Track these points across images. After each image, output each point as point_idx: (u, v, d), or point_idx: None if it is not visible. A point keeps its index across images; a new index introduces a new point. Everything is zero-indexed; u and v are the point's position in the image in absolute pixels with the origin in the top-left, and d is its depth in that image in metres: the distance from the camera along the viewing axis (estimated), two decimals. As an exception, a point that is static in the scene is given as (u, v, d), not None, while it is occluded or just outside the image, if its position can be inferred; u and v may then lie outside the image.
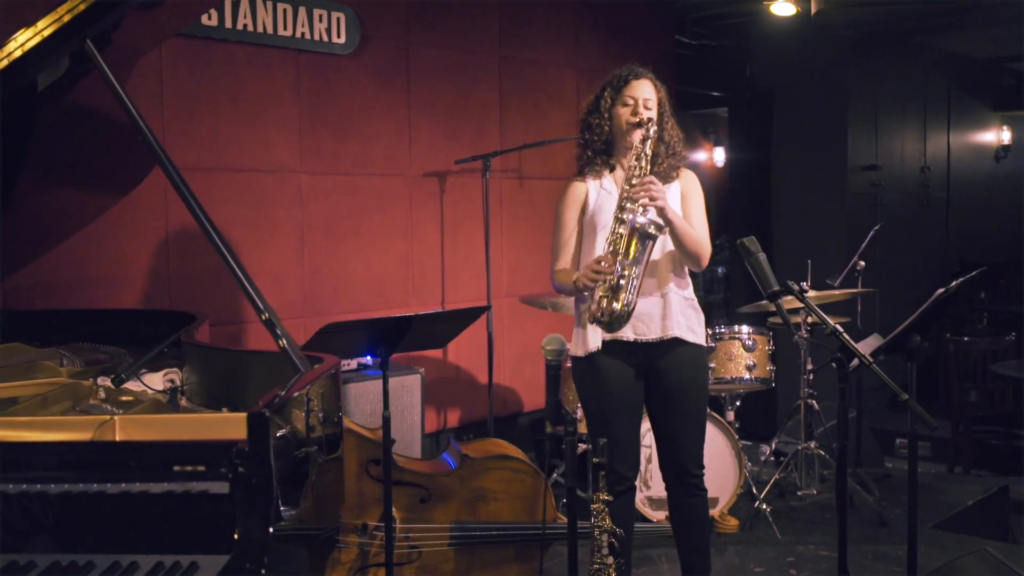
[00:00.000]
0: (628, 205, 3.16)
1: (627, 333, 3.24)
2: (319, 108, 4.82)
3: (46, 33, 2.34)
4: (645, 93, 3.30)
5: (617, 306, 3.10)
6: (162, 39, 3.82)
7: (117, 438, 2.07)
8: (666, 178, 3.32)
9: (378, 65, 5.06)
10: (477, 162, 5.17)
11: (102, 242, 4.07)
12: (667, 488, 3.43)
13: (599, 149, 3.37)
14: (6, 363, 2.95)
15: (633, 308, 3.12)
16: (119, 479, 1.86)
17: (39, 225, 3.40)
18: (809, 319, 4.89)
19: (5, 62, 2.28)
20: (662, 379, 3.32)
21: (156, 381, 2.77)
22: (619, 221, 3.17)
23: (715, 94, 7.65)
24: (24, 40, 2.29)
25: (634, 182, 3.18)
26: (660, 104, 3.34)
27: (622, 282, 3.10)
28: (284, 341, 2.31)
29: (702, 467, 3.39)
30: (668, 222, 3.19)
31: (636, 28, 6.46)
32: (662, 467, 3.42)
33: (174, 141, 4.16)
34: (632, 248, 3.11)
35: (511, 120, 5.72)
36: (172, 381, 2.74)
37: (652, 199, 3.14)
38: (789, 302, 4.43)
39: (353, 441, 3.53)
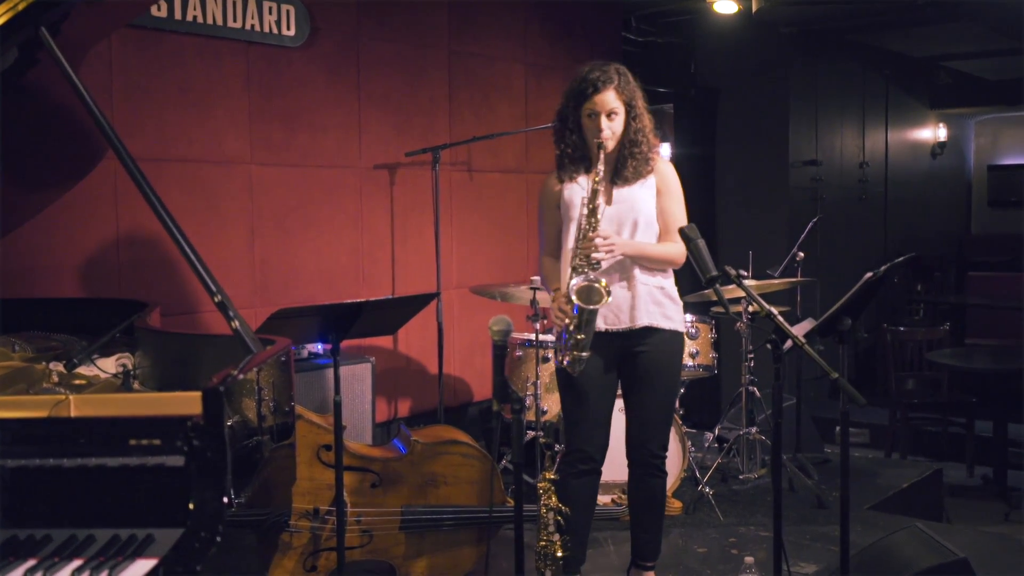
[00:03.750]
0: (581, 263, 3.23)
1: (599, 323, 3.32)
2: (269, 100, 4.84)
3: (0, 21, 2.36)
4: (608, 104, 3.30)
5: (567, 361, 3.25)
6: (111, 30, 3.82)
7: (72, 415, 2.11)
8: (636, 176, 3.39)
9: (328, 57, 5.10)
10: (427, 154, 5.24)
11: (52, 231, 4.07)
12: (629, 467, 3.52)
13: (575, 157, 3.44)
14: (-44, 349, 2.96)
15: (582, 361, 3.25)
16: (75, 454, 1.90)
17: (-13, 214, 3.40)
18: (750, 308, 5.03)
19: (-43, 48, 2.30)
20: (635, 362, 3.42)
21: (108, 365, 2.80)
22: (575, 272, 3.24)
23: (661, 90, 7.78)
24: (-24, 27, 2.31)
25: (587, 234, 3.24)
26: (628, 106, 3.36)
27: (573, 339, 3.21)
28: (237, 323, 2.35)
29: (665, 449, 3.49)
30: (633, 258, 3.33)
31: (584, 24, 6.56)
32: (627, 446, 3.50)
33: (123, 132, 4.05)
34: (583, 312, 3.20)
35: (460, 114, 5.79)
36: (124, 365, 2.78)
37: (608, 252, 3.23)
38: (731, 292, 4.60)
39: (304, 428, 3.58)
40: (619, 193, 3.39)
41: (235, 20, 4.66)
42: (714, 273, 2.97)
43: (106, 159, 3.35)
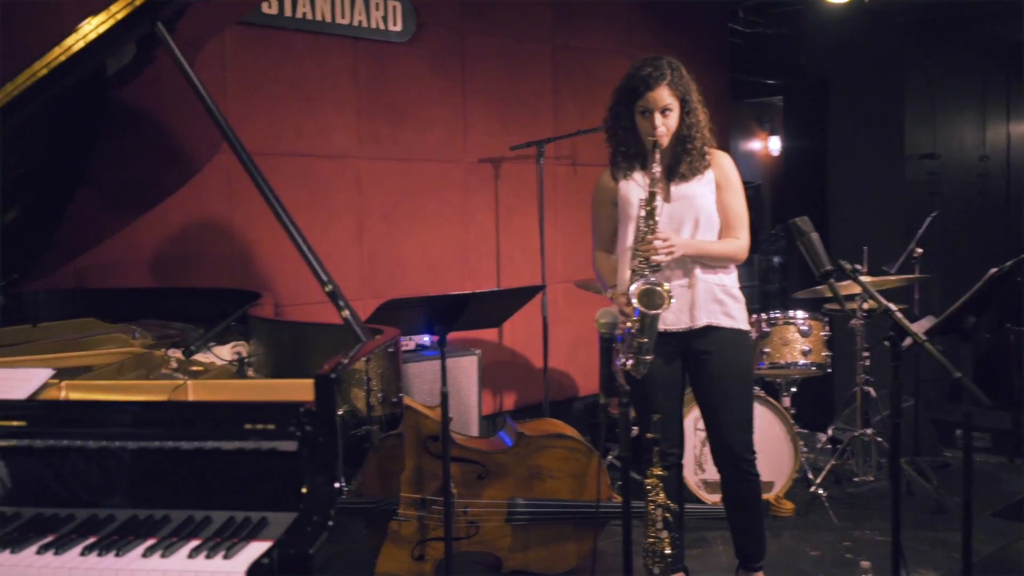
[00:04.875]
0: (640, 265, 3.15)
1: (659, 324, 3.25)
2: (376, 95, 4.90)
3: (119, 16, 2.43)
4: (662, 101, 3.21)
5: (631, 364, 3.16)
6: (223, 27, 3.92)
7: (190, 400, 2.16)
8: (693, 172, 3.31)
9: (433, 53, 5.13)
10: (531, 148, 5.22)
11: (169, 224, 4.20)
12: (719, 471, 3.44)
13: (628, 154, 3.38)
14: (81, 336, 3.07)
15: (645, 365, 3.15)
16: (193, 437, 1.93)
17: (110, 207, 3.51)
18: (865, 305, 4.86)
19: (81, 43, 2.36)
20: (701, 364, 3.34)
21: (224, 353, 2.85)
22: (634, 274, 3.17)
23: (770, 82, 7.61)
24: (98, 23, 2.38)
25: (645, 236, 3.16)
26: (682, 101, 3.26)
27: (635, 343, 3.14)
28: (347, 312, 2.37)
29: (752, 451, 3.38)
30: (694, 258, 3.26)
31: (689, 15, 6.45)
32: (712, 451, 3.43)
33: (236, 127, 4.18)
34: (644, 316, 3.12)
35: (564, 107, 5.76)
36: (239, 353, 2.82)
37: (668, 254, 3.15)
38: (844, 288, 4.45)
39: (412, 418, 3.60)
40: (677, 190, 3.29)
41: (343, 16, 4.73)
42: (828, 267, 2.86)
43: (220, 154, 3.43)
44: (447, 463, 3.33)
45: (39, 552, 1.83)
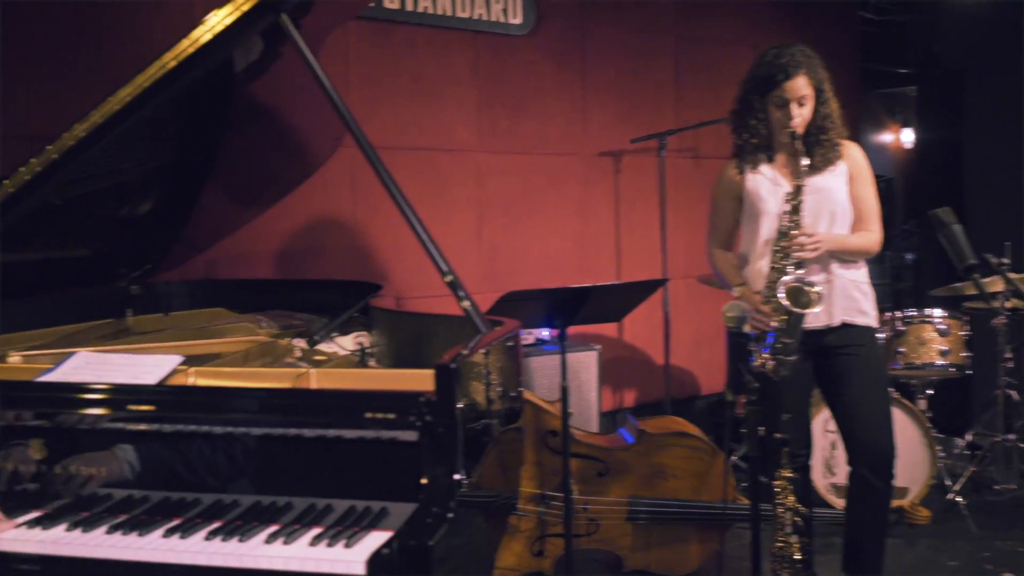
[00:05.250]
0: (783, 262, 3.05)
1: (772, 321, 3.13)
2: (496, 88, 4.89)
3: (244, 8, 2.46)
4: (799, 90, 3.10)
5: (771, 365, 3.03)
6: (341, 23, 3.95)
7: (313, 387, 2.17)
8: (826, 163, 3.18)
9: (553, 45, 5.09)
10: (652, 141, 5.13)
11: (295, 217, 4.27)
12: (853, 472, 3.27)
13: (757, 146, 3.26)
14: (209, 325, 3.14)
15: (788, 366, 3.03)
16: (315, 424, 1.93)
17: (238, 200, 3.58)
18: (1008, 304, 4.59)
19: (208, 35, 2.40)
20: (837, 362, 3.20)
21: (347, 343, 2.88)
22: (776, 272, 3.06)
23: (902, 72, 7.29)
24: (224, 15, 2.41)
25: (790, 233, 3.05)
26: (818, 91, 3.15)
27: (778, 343, 3.01)
28: (467, 303, 2.34)
29: (894, 450, 3.20)
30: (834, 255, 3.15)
31: (818, 3, 6.23)
32: (850, 450, 3.27)
33: (359, 122, 4.27)
34: (787, 312, 3.00)
35: (687, 98, 5.63)
36: (361, 344, 2.84)
37: (814, 251, 3.05)
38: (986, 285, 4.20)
39: (532, 412, 3.56)
40: (811, 183, 3.15)
41: (463, 10, 4.73)
42: (973, 261, 2.70)
43: (343, 148, 3.46)
44: (567, 459, 3.28)
45: (165, 535, 1.86)
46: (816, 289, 2.95)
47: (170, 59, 2.40)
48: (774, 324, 3.00)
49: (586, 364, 4.70)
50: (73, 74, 3.74)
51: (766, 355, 3.04)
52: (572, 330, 3.43)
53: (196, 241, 3.59)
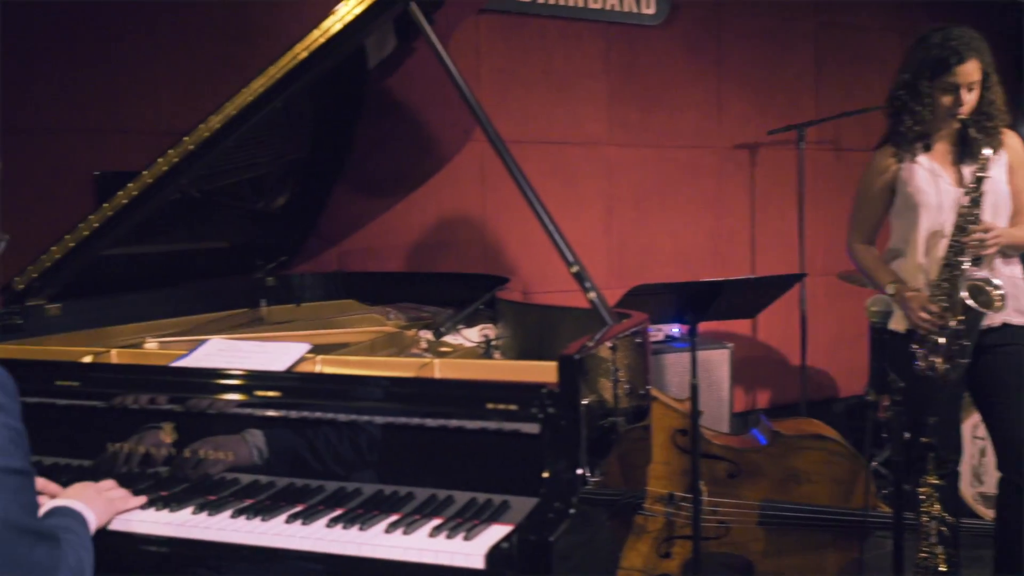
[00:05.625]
0: (957, 259, 2.90)
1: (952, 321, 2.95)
2: (628, 80, 4.81)
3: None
4: (971, 75, 2.95)
5: (944, 368, 2.88)
6: (469, 13, 3.95)
7: (436, 377, 2.15)
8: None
9: (687, 34, 4.97)
10: (790, 132, 4.94)
11: (425, 211, 4.30)
12: (1004, 477, 3.08)
13: (918, 133, 3.09)
14: (339, 316, 3.18)
15: (961, 369, 2.87)
16: (438, 414, 1.91)
17: (370, 194, 3.62)
18: None
19: (339, 25, 2.41)
20: (986, 364, 3.02)
21: (472, 336, 2.86)
22: (949, 268, 2.90)
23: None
24: (354, 5, 2.42)
25: (967, 226, 2.90)
26: (985, 76, 3.00)
27: (954, 348, 2.84)
28: (593, 294, 2.29)
29: None
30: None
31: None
32: (1000, 453, 3.07)
33: (489, 115, 4.28)
34: (966, 311, 2.84)
35: (827, 88, 5.42)
36: (486, 336, 2.82)
37: (994, 247, 2.92)
38: None
39: (660, 410, 3.47)
40: (968, 173, 2.96)
41: (596, 1, 4.67)
42: None
43: (472, 142, 3.45)
44: (696, 459, 3.18)
45: (288, 521, 1.87)
46: (1000, 291, 2.79)
47: (301, 50, 2.43)
48: (952, 324, 2.85)
49: (717, 363, 4.56)
50: (225, 71, 3.86)
51: (935, 358, 2.89)
52: (703, 327, 3.33)
53: (329, 234, 3.66)
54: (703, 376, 4.44)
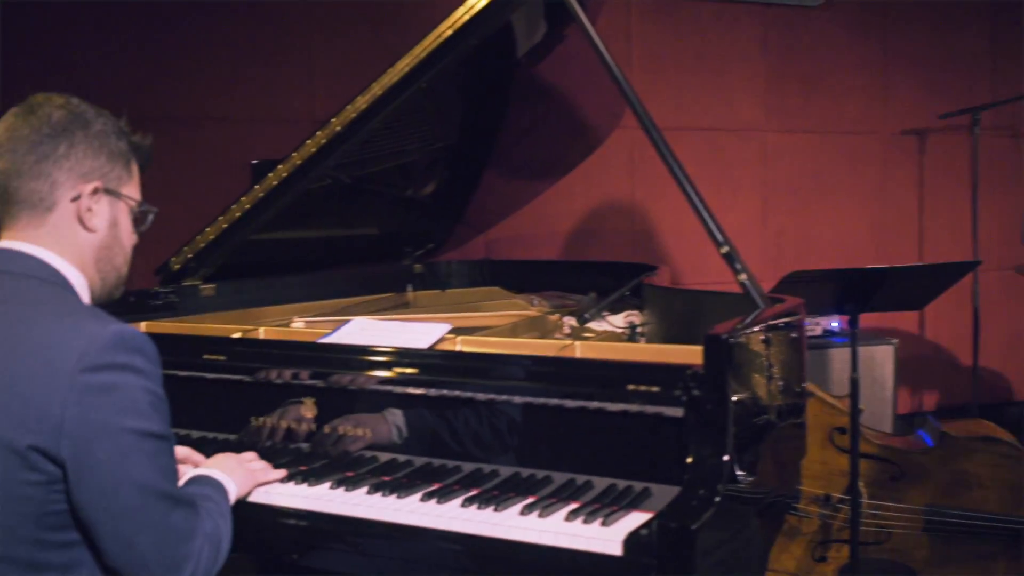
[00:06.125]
0: None
1: None
2: (786, 63, 4.64)
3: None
4: None
5: None
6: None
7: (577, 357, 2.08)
8: None
9: (851, 15, 4.75)
10: (964, 117, 4.63)
11: (573, 199, 4.25)
12: None
13: None
14: (483, 301, 3.15)
15: None
16: (577, 396, 1.84)
17: (517, 182, 3.60)
18: None
19: (484, 1, 2.37)
20: None
21: (617, 322, 2.78)
22: None
23: None
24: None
25: None
26: None
27: None
28: (744, 276, 2.17)
29: None
30: None
31: None
32: None
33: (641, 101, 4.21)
34: None
35: (1005, 68, 5.06)
36: (631, 323, 2.73)
37: None
38: None
39: (817, 407, 3.29)
40: None
41: (753, -17, 4.52)
42: None
43: (621, 130, 3.37)
44: (855, 459, 3.00)
45: (423, 499, 1.84)
46: None
47: (445, 28, 2.41)
48: None
49: (880, 360, 4.32)
50: (377, 59, 3.91)
51: None
52: (865, 322, 3.14)
53: (477, 222, 3.65)
54: (865, 373, 4.20)
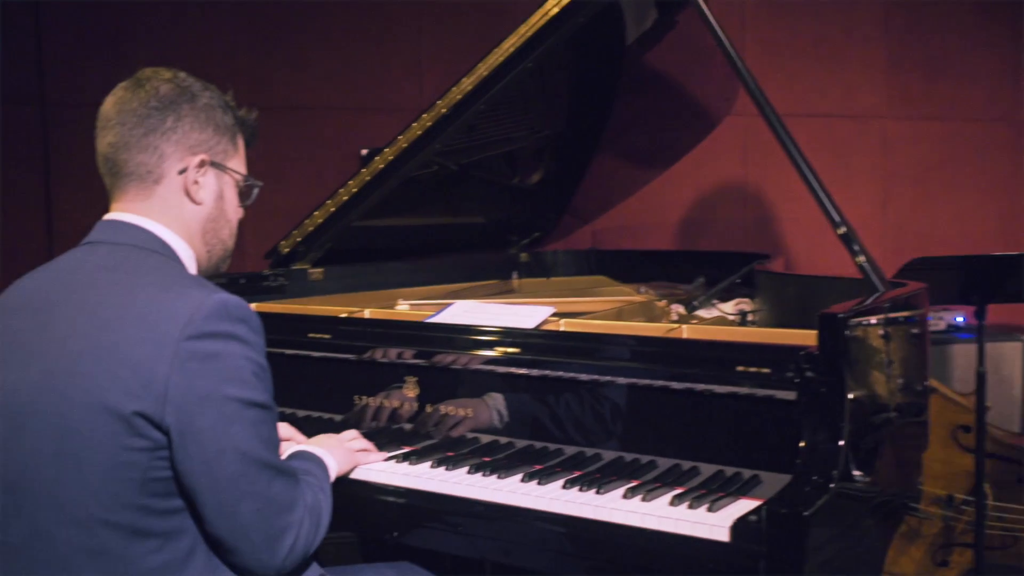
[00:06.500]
0: None
1: None
2: (909, 46, 4.45)
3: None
4: None
5: None
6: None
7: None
8: None
9: (981, -5, 4.53)
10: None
11: (682, 188, 4.17)
12: None
13: None
14: (589, 288, 3.11)
15: None
16: (684, 377, 1.78)
17: (625, 171, 3.54)
18: None
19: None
20: None
21: (727, 310, 2.71)
22: None
23: None
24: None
25: None
26: None
27: None
28: (862, 258, 2.07)
29: None
30: None
31: None
32: None
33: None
34: None
35: None
36: (742, 310, 2.65)
37: None
38: None
39: (939, 404, 3.15)
40: None
41: (874, -36, 4.36)
42: None
43: (733, 116, 3.28)
44: (981, 459, 2.85)
45: (523, 480, 1.80)
46: None
47: (552, 6, 2.37)
48: None
49: (1009, 356, 4.10)
50: (484, 46, 3.92)
51: None
52: (993, 317, 2.97)
53: (583, 212, 3.61)
54: (991, 371, 3.97)
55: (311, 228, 2.74)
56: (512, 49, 2.42)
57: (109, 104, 1.62)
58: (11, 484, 1.45)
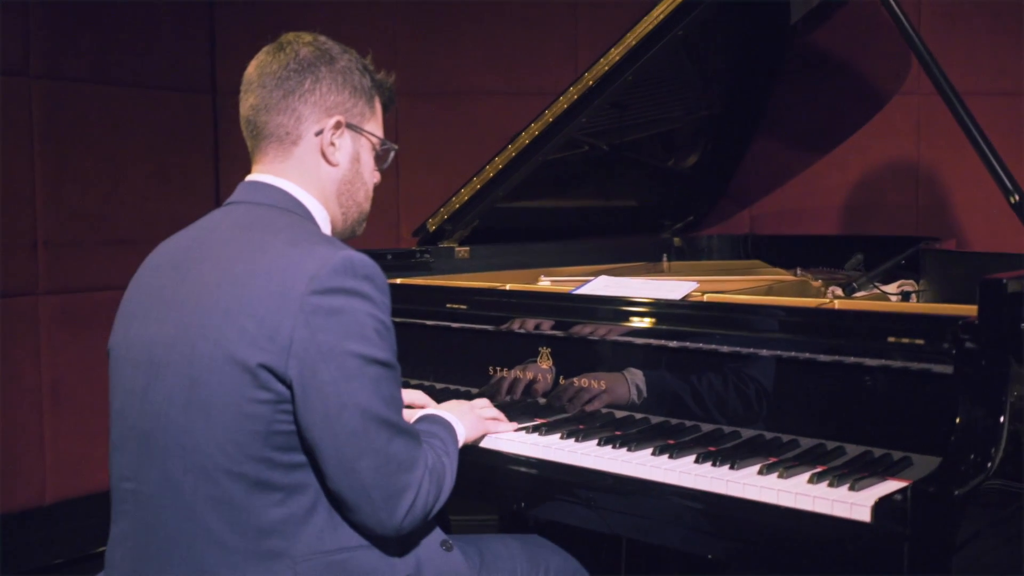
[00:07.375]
0: None
1: None
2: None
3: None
4: None
5: None
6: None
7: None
8: None
9: None
10: None
11: (845, 171, 3.96)
12: None
13: None
14: (740, 270, 2.99)
15: None
16: (831, 349, 1.67)
17: (786, 153, 3.40)
18: None
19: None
20: None
21: (889, 290, 2.54)
22: None
23: None
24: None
25: None
26: None
27: None
28: (1037, 229, 1.89)
29: None
30: None
31: None
32: None
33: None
34: None
35: None
36: (905, 292, 2.48)
37: None
38: None
39: None
40: None
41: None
42: None
43: (902, 96, 3.11)
44: None
45: (654, 453, 1.74)
46: None
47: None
48: None
49: None
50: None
51: None
52: None
53: (740, 196, 3.49)
54: None
55: (458, 205, 2.73)
56: (661, 16, 2.33)
57: (252, 68, 1.66)
58: (146, 433, 1.50)
